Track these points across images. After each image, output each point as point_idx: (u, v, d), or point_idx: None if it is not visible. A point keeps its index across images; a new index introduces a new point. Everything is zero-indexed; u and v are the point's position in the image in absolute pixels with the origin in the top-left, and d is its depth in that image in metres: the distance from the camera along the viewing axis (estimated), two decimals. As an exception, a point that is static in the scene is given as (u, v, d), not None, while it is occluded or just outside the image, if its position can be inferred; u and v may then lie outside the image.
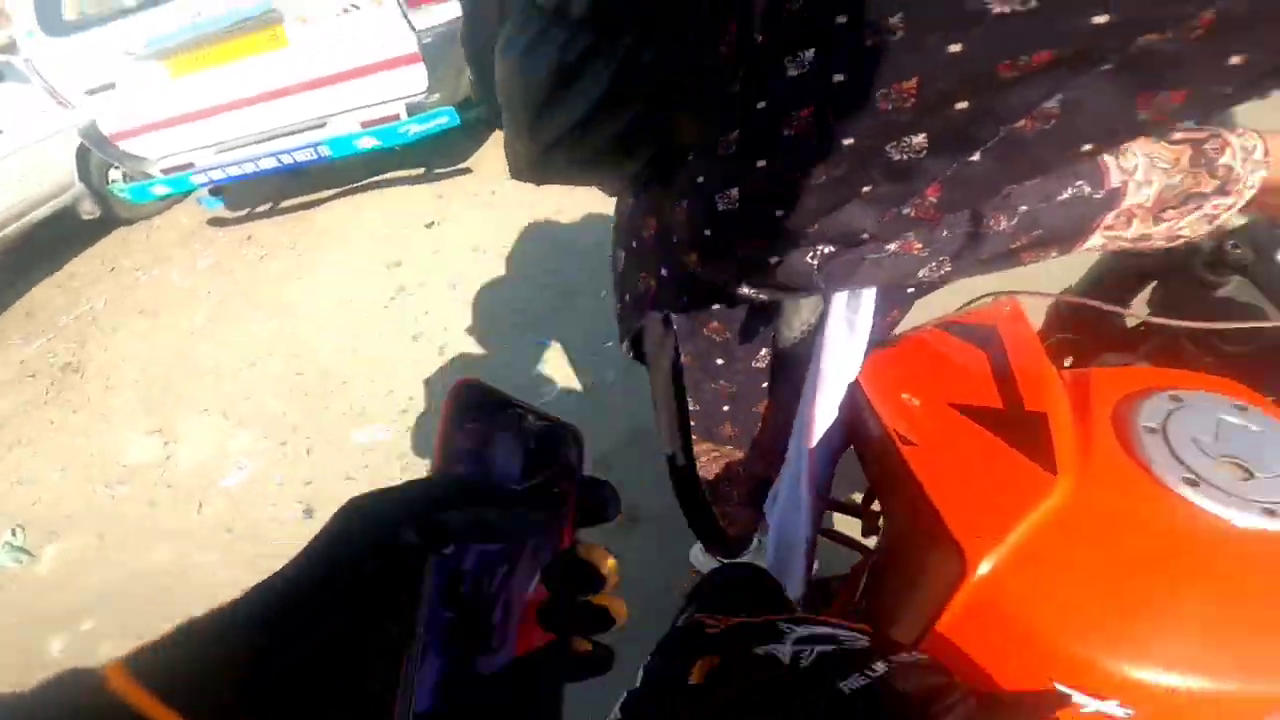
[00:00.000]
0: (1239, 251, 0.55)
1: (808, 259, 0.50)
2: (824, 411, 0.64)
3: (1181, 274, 0.64)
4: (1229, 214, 0.50)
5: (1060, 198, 0.46)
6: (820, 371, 0.63)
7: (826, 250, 0.49)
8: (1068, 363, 0.77)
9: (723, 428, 0.79)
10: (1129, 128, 0.41)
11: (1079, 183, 0.46)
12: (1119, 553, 0.47)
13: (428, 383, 2.24)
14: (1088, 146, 0.42)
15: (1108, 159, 0.46)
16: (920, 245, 0.50)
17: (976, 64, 0.39)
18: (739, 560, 1.09)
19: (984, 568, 0.47)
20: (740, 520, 0.95)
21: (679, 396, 0.76)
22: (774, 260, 0.50)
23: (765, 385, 0.74)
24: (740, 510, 0.91)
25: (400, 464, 2.00)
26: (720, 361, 0.70)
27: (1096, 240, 0.49)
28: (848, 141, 0.43)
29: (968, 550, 0.47)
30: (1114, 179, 0.47)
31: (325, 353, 2.53)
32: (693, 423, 0.78)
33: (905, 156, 0.42)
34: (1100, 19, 0.35)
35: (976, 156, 0.42)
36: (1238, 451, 0.49)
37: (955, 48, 0.38)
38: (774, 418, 0.76)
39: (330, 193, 3.51)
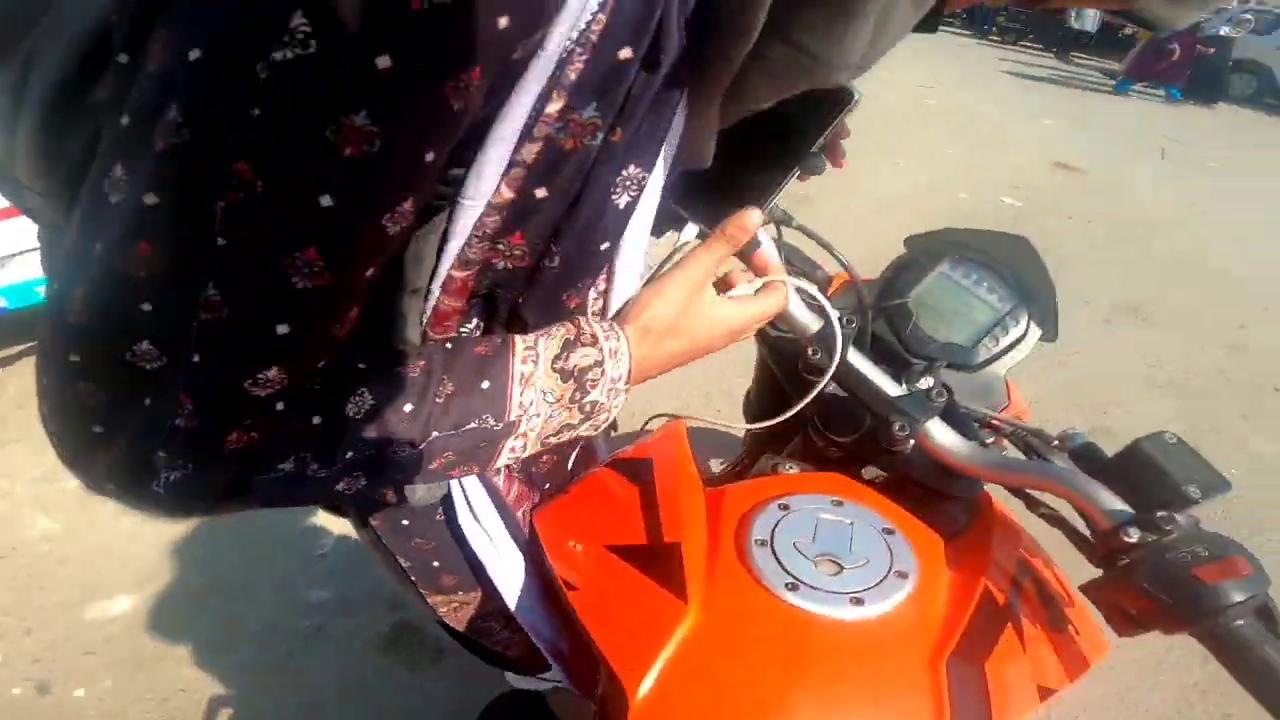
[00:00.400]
0: (818, 357, 0.67)
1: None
2: (499, 566, 0.66)
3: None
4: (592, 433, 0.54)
5: (467, 427, 0.46)
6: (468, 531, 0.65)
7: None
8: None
9: (442, 579, 0.77)
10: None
11: (485, 415, 0.46)
12: (744, 665, 0.52)
13: (176, 550, 2.02)
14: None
15: (513, 389, 0.47)
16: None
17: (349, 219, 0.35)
18: (536, 680, 1.07)
19: (640, 694, 0.50)
20: (516, 644, 0.92)
21: (388, 559, 0.75)
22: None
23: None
24: (512, 635, 0.89)
25: (150, 633, 1.79)
26: (406, 522, 0.70)
27: (505, 459, 0.50)
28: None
29: (624, 681, 0.51)
30: (513, 412, 0.47)
31: (33, 534, 2.15)
32: (414, 578, 0.77)
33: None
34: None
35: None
36: (831, 548, 0.57)
37: (326, 200, 0.34)
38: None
39: (19, 348, 2.79)
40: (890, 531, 0.59)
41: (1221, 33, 10.12)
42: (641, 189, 0.48)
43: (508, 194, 0.42)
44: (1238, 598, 0.46)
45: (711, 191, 0.54)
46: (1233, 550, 0.49)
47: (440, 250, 0.44)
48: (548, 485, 0.71)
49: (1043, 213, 4.67)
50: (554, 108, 0.39)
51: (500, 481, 0.65)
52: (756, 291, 0.58)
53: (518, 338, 0.48)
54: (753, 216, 0.52)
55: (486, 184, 0.41)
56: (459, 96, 0.33)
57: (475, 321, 0.51)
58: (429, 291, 0.46)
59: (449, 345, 0.47)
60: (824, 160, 0.56)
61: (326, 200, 0.34)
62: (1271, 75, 11.52)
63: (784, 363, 0.76)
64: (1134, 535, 0.51)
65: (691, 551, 0.58)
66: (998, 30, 17.13)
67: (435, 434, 0.44)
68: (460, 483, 0.62)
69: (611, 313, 0.55)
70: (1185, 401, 2.89)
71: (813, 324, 0.65)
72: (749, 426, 0.72)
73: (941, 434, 0.62)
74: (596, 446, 0.89)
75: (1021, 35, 16.56)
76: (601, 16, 0.37)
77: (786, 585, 0.54)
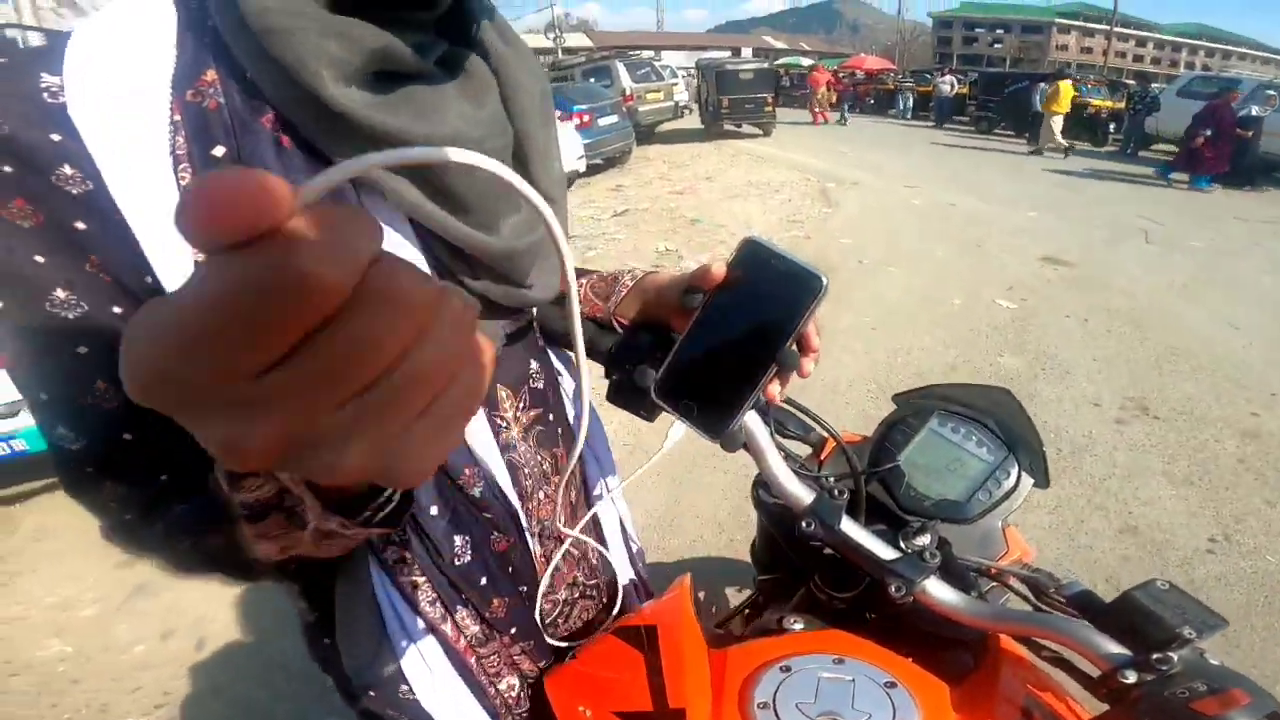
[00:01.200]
0: (811, 529, 0.68)
1: None
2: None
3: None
4: None
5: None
6: None
7: None
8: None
9: None
10: None
11: None
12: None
13: (190, 675, 2.02)
14: None
15: None
16: None
17: None
18: None
19: None
20: None
21: None
22: None
23: None
24: None
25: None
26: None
27: None
28: None
29: None
30: None
31: (46, 655, 2.18)
32: None
33: None
34: None
35: None
36: (833, 706, 0.58)
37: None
38: None
39: (39, 484, 2.95)
40: (892, 685, 0.61)
41: (1253, 112, 10.14)
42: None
43: None
44: None
45: (693, 393, 0.54)
46: (1232, 683, 0.50)
47: None
48: (513, 629, 0.70)
49: (1038, 312, 4.76)
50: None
51: (449, 630, 0.65)
52: None
53: None
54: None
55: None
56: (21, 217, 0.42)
57: None
58: None
59: None
60: (798, 356, 0.54)
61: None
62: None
63: (780, 528, 0.79)
64: (1131, 676, 0.53)
65: (696, 717, 0.59)
66: (970, 120, 18.03)
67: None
68: (415, 652, 0.64)
69: None
70: (1207, 493, 2.85)
71: (805, 496, 0.67)
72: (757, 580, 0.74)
73: (939, 591, 0.64)
74: (626, 597, 0.89)
75: (994, 124, 17.42)
76: (179, 138, 0.45)
77: (791, 750, 0.55)
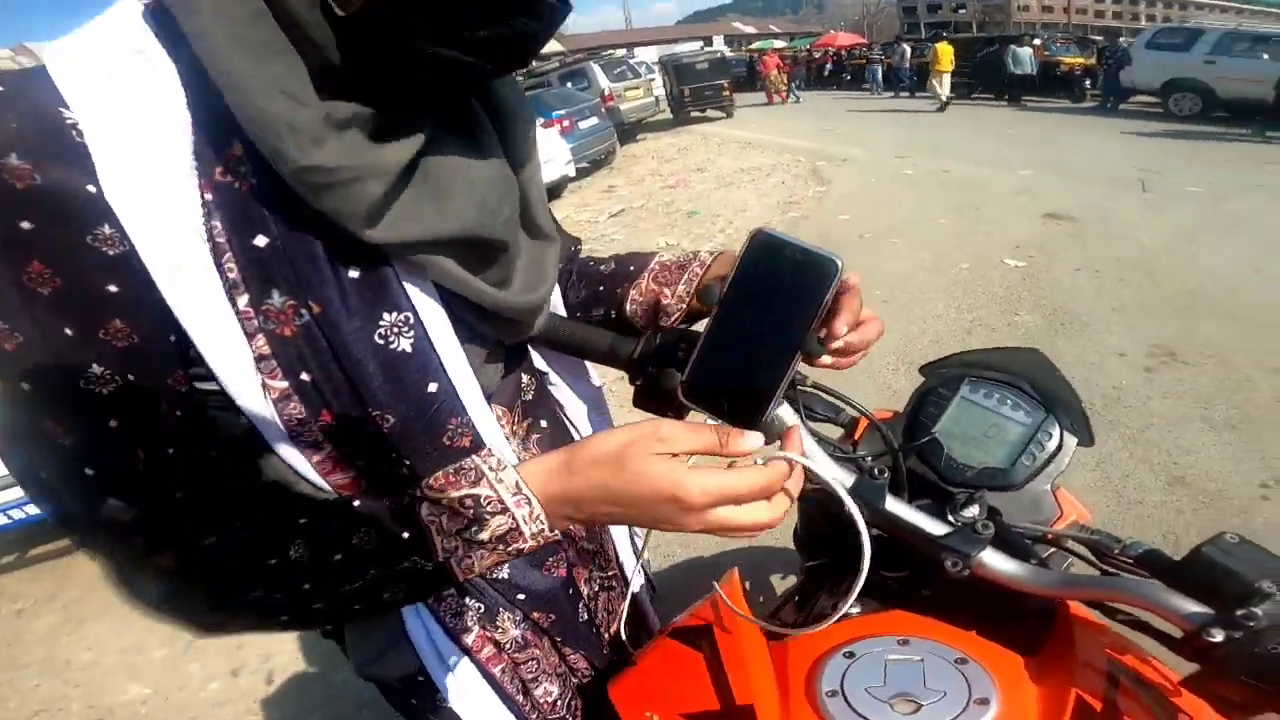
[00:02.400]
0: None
1: None
2: None
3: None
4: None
5: (401, 567, 0.50)
6: None
7: None
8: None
9: None
10: None
11: (413, 557, 0.50)
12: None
13: (264, 706, 2.09)
14: None
15: (433, 538, 0.50)
16: None
17: None
18: None
19: None
20: None
21: None
22: None
23: None
24: None
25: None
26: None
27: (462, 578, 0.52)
28: None
29: None
30: (440, 555, 0.50)
31: (126, 700, 2.25)
32: None
33: None
34: None
35: None
36: (905, 687, 0.57)
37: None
38: None
39: None
40: (963, 660, 0.59)
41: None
42: (415, 327, 0.51)
43: (278, 384, 0.47)
44: None
45: (721, 390, 0.52)
46: None
47: (271, 443, 0.50)
48: (559, 635, 0.70)
49: (1049, 268, 4.72)
50: (243, 303, 0.45)
51: (471, 641, 0.65)
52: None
53: (425, 505, 0.50)
54: (751, 440, 0.49)
55: (239, 377, 0.46)
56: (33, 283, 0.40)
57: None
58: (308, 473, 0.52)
59: (360, 503, 0.50)
60: (822, 344, 0.52)
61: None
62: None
63: (825, 514, 0.77)
64: (1218, 635, 0.51)
65: (765, 712, 0.57)
66: (950, 86, 18.01)
67: (373, 571, 0.49)
68: (440, 661, 0.65)
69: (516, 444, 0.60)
70: (1251, 437, 2.80)
71: (846, 479, 0.64)
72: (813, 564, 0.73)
73: (997, 562, 0.62)
74: (646, 612, 0.88)
75: (972, 88, 17.42)
76: (216, 224, 0.43)
77: (866, 735, 0.54)
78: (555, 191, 9.54)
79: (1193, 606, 0.54)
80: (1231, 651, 0.50)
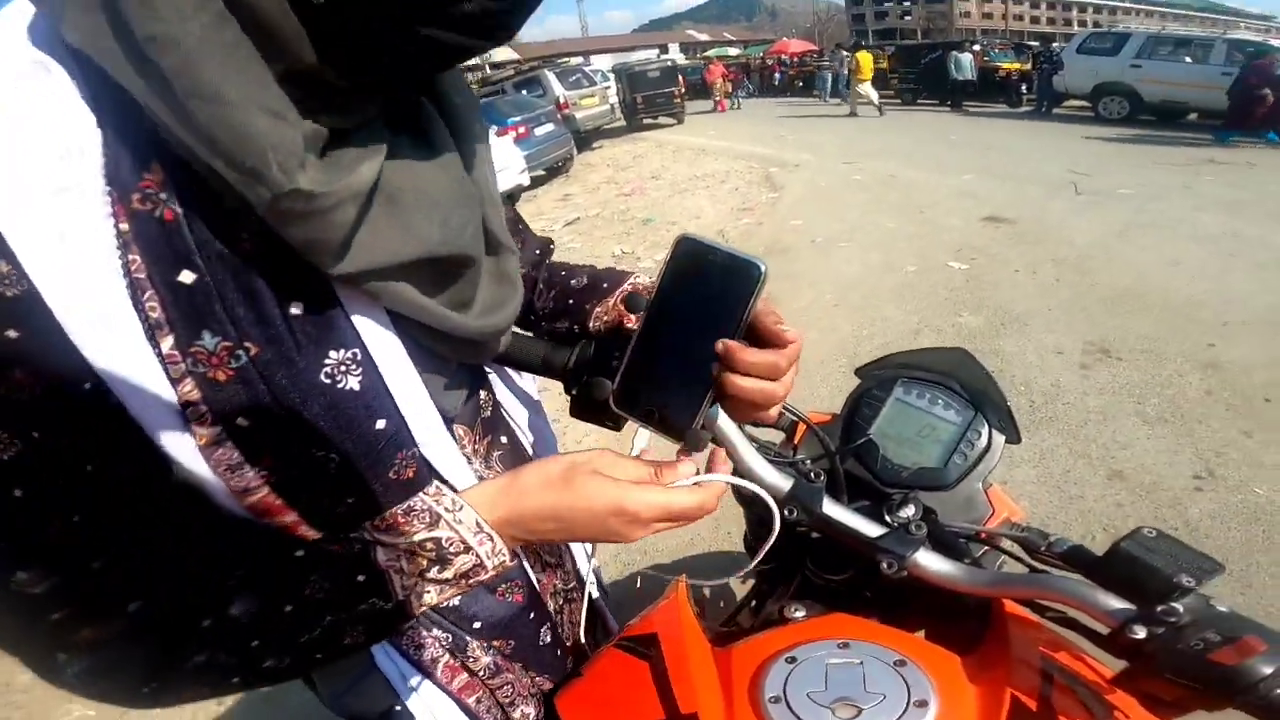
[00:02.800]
0: (793, 515, 0.66)
1: None
2: None
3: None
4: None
5: (359, 609, 0.48)
6: None
7: None
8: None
9: None
10: None
11: (372, 599, 0.48)
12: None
13: None
14: None
15: (392, 579, 0.49)
16: None
17: None
18: None
19: None
20: None
21: None
22: None
23: None
24: None
25: None
26: None
27: (418, 612, 0.51)
28: None
29: None
30: (399, 595, 0.49)
31: None
32: None
33: None
34: None
35: None
36: (845, 692, 0.57)
37: None
38: None
39: None
40: (902, 662, 0.60)
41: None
42: (363, 363, 0.48)
43: (207, 430, 0.42)
44: (1266, 671, 0.47)
45: (651, 398, 0.52)
46: (1244, 629, 0.49)
47: (204, 491, 0.45)
48: (524, 658, 0.69)
49: (989, 270, 4.89)
50: (168, 345, 0.40)
51: (440, 672, 0.64)
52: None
53: (380, 549, 0.48)
54: (684, 471, 0.52)
55: (164, 425, 0.41)
56: None
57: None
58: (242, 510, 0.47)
59: (305, 554, 0.48)
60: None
61: None
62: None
63: (765, 518, 0.78)
64: (1140, 631, 0.52)
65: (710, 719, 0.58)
66: (895, 93, 18.70)
67: (329, 618, 0.47)
68: (413, 694, 0.63)
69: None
70: (1183, 430, 2.93)
71: (783, 483, 0.66)
72: (743, 573, 0.73)
73: (931, 561, 0.63)
74: (605, 615, 0.88)
75: (917, 94, 18.32)
76: (134, 257, 0.39)
77: (809, 741, 0.54)
78: (510, 200, 9.43)
79: (1116, 603, 0.55)
80: (1156, 648, 0.51)
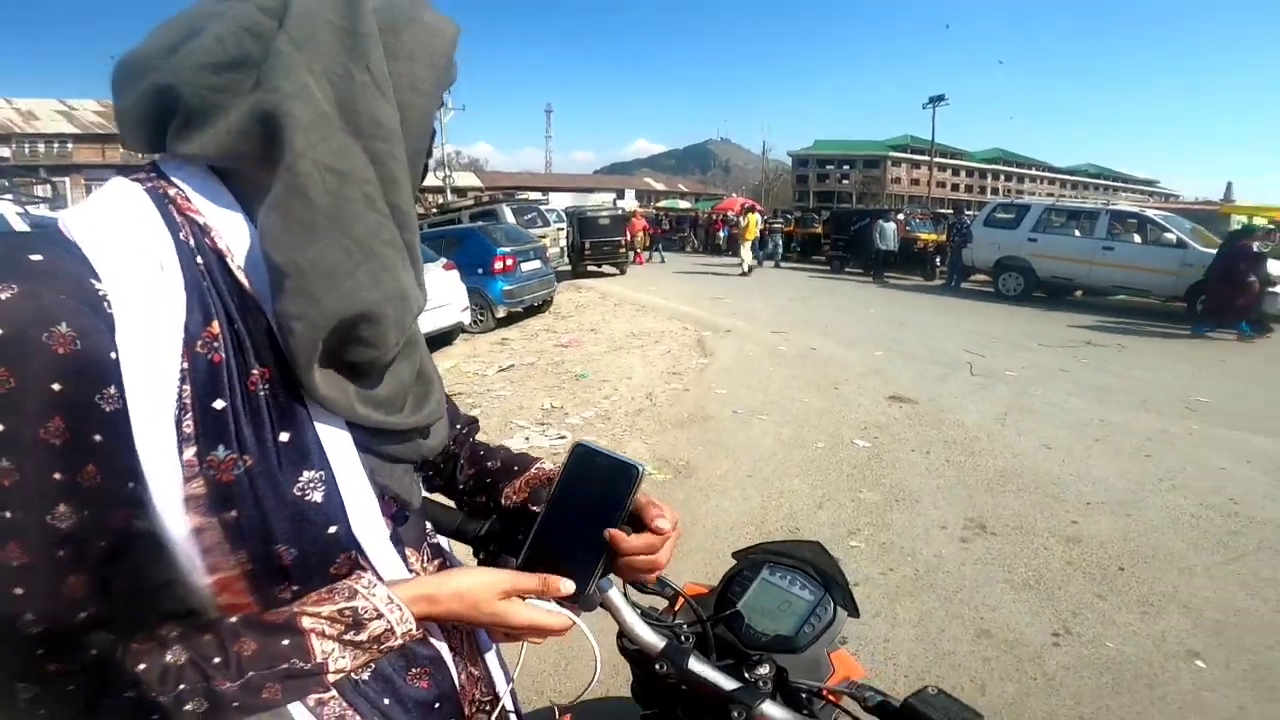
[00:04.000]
0: (663, 670, 0.81)
1: None
2: None
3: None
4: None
5: (280, 668, 0.55)
6: None
7: None
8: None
9: None
10: None
11: (292, 659, 0.55)
12: None
13: None
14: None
15: (311, 641, 0.57)
16: None
17: None
18: None
19: None
20: None
21: None
22: None
23: None
24: None
25: None
26: None
27: (333, 678, 0.58)
28: None
29: None
30: (317, 656, 0.56)
31: None
32: None
33: None
34: None
35: None
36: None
37: None
38: None
39: None
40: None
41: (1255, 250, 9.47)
42: (327, 481, 0.59)
43: (199, 519, 0.53)
44: None
45: (546, 571, 0.66)
46: None
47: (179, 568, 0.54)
48: None
49: (890, 448, 5.31)
50: (190, 454, 0.51)
51: None
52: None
53: (305, 617, 0.57)
54: (565, 586, 0.66)
55: (169, 511, 0.51)
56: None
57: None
58: (203, 579, 0.55)
59: (239, 619, 0.56)
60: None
61: None
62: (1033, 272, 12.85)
63: (642, 670, 0.90)
64: None
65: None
66: (825, 259, 19.41)
67: (251, 674, 0.53)
68: None
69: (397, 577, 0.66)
70: (1045, 595, 3.30)
71: (657, 642, 0.80)
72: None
73: (775, 712, 0.76)
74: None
75: (845, 262, 18.81)
76: (186, 387, 0.51)
77: None
78: (448, 338, 9.42)
79: None
80: None
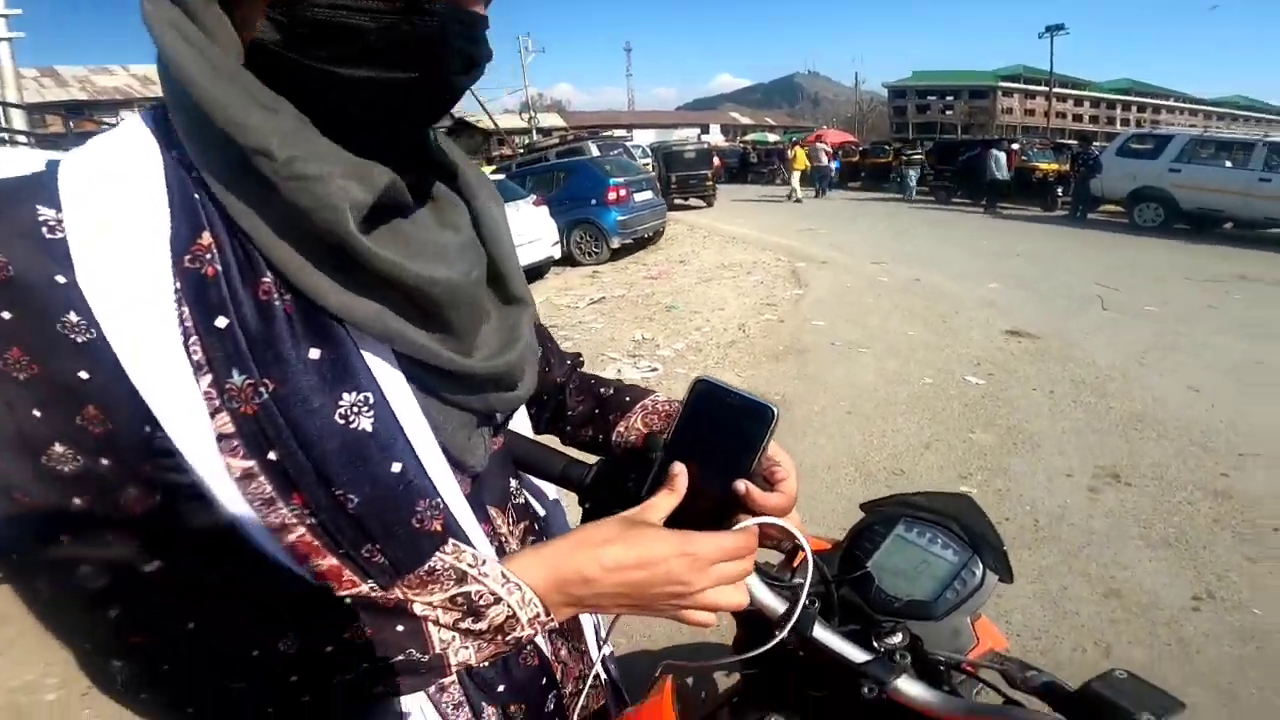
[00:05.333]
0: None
1: None
2: None
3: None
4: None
5: (396, 659, 0.51)
6: None
7: None
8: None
9: None
10: None
11: (409, 649, 0.51)
12: None
13: None
14: None
15: (429, 629, 0.52)
16: None
17: None
18: None
19: None
20: None
21: None
22: None
23: None
24: None
25: None
26: None
27: (456, 667, 0.54)
28: None
29: None
30: (435, 647, 0.52)
31: None
32: None
33: None
34: None
35: None
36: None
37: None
38: None
39: None
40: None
41: None
42: (375, 407, 0.52)
43: (240, 463, 0.47)
44: None
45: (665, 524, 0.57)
46: None
47: (245, 529, 0.49)
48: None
49: (1007, 386, 4.90)
50: (206, 383, 0.46)
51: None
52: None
53: (415, 604, 0.53)
54: (679, 465, 0.58)
55: (203, 456, 0.46)
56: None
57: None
58: (278, 556, 0.51)
59: (352, 600, 0.52)
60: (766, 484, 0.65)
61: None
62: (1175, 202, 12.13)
63: (757, 635, 0.81)
64: None
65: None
66: (930, 189, 18.82)
67: (365, 664, 0.50)
68: None
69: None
70: (1186, 554, 2.93)
71: (779, 606, 0.70)
72: (728, 660, 0.79)
73: (911, 688, 0.67)
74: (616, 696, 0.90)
75: (952, 192, 18.12)
76: (185, 309, 0.46)
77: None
78: (539, 273, 9.61)
79: None
80: None
